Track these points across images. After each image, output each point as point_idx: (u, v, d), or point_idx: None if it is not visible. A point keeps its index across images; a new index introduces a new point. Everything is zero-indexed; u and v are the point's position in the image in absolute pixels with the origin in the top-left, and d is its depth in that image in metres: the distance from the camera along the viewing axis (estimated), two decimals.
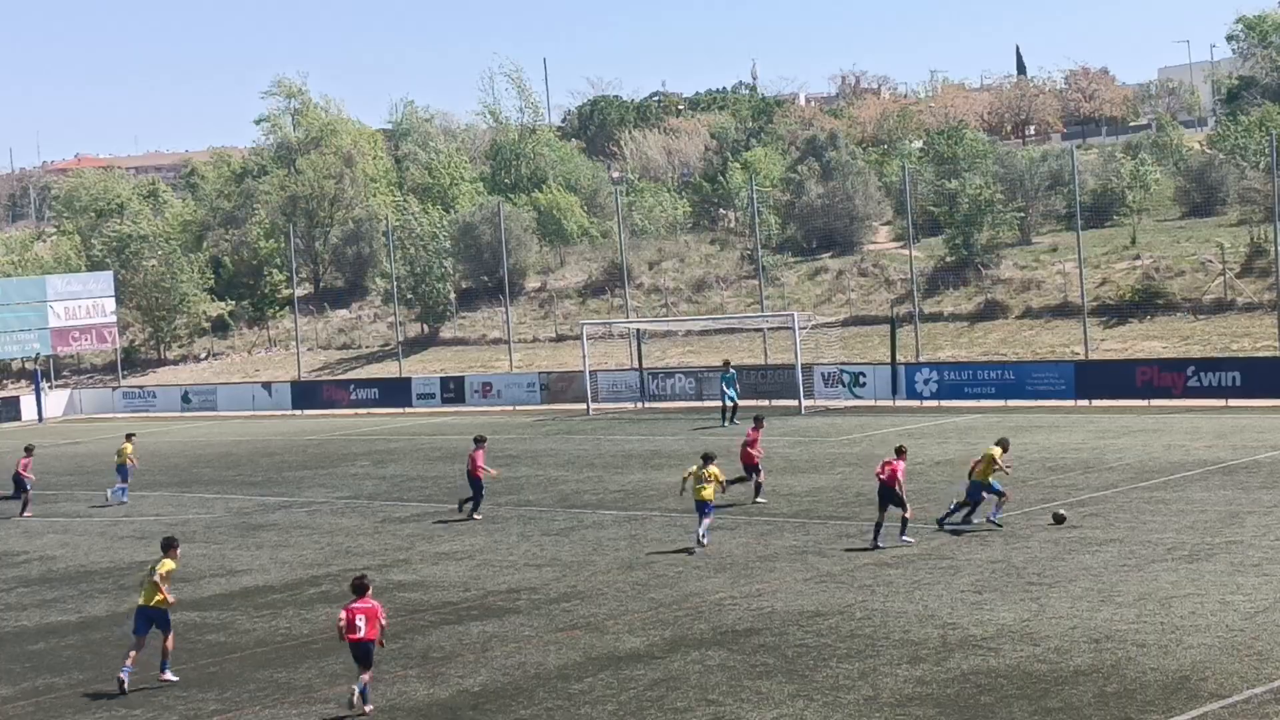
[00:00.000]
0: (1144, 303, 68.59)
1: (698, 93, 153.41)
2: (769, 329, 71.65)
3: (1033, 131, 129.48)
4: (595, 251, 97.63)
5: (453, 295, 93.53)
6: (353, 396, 78.30)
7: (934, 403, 59.03)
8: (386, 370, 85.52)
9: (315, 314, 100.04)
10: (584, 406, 66.00)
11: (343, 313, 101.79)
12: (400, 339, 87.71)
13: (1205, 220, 79.34)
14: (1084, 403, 55.21)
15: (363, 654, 21.60)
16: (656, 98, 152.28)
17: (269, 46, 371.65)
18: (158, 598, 23.81)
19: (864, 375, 62.01)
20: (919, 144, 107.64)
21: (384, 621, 21.83)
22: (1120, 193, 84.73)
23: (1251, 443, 39.86)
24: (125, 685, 23.52)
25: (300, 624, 27.75)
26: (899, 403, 59.95)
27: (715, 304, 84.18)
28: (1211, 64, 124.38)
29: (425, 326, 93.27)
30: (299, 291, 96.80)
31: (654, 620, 25.75)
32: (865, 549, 30.52)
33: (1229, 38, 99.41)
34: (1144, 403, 53.85)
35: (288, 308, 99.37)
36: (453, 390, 75.09)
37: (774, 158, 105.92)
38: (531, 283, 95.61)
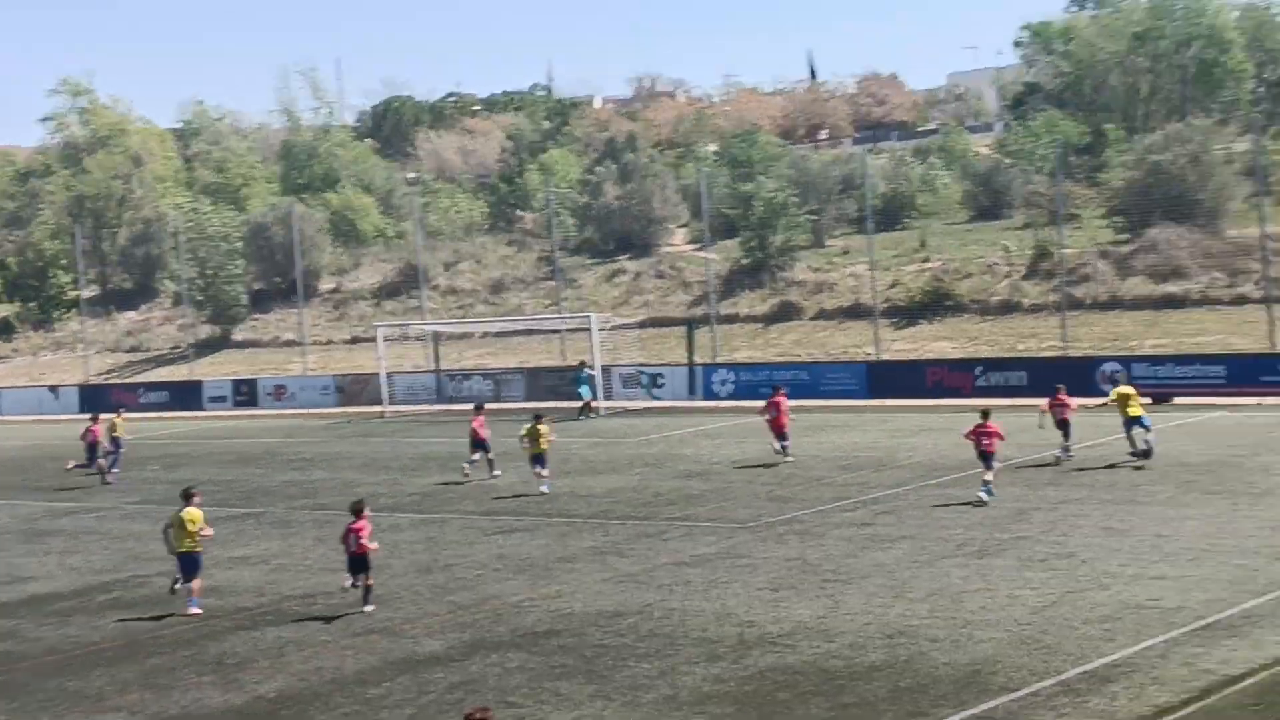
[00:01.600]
0: (933, 304, 69.79)
1: (494, 94, 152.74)
2: (567, 330, 71.74)
3: (825, 136, 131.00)
4: (391, 253, 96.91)
5: (245, 297, 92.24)
6: (142, 400, 76.86)
7: (731, 403, 59.48)
8: (177, 373, 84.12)
9: (103, 316, 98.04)
10: (380, 409, 65.52)
11: (131, 315, 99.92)
12: (191, 341, 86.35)
13: (992, 223, 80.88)
14: (876, 402, 56.06)
15: (361, 564, 26.74)
16: (452, 98, 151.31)
17: (54, 44, 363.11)
18: (188, 543, 28.05)
19: (662, 376, 62.37)
20: (714, 147, 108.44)
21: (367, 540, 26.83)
22: (910, 196, 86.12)
23: (1037, 441, 40.69)
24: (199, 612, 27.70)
25: (90, 631, 27.21)
26: (696, 403, 60.36)
27: (513, 305, 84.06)
28: (998, 70, 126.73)
29: (216, 329, 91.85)
30: (86, 293, 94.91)
31: (452, 623, 25.64)
32: (664, 550, 30.69)
33: (1015, 44, 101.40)
34: (934, 402, 54.78)
35: (74, 310, 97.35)
36: (245, 393, 74.13)
37: (571, 159, 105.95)
38: (326, 284, 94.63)
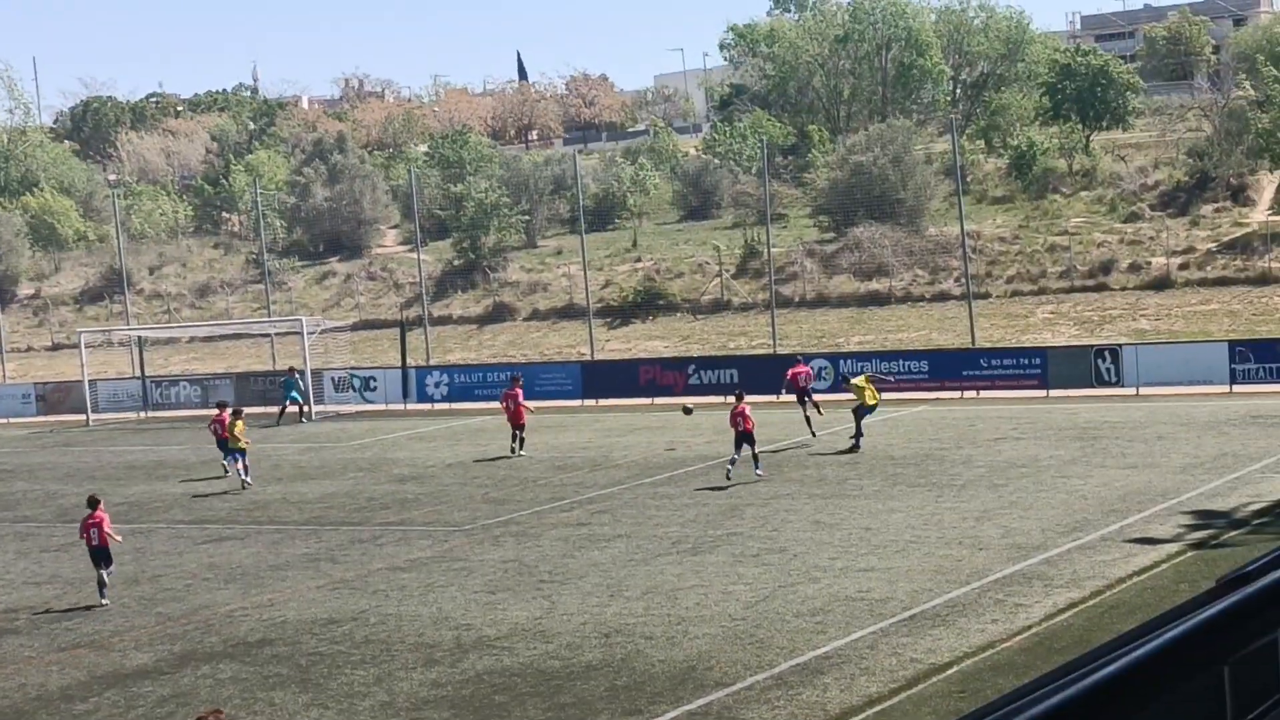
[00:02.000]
0: (646, 303, 70.48)
1: (197, 94, 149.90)
2: (276, 334, 70.67)
3: (535, 136, 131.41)
4: (92, 257, 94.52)
5: None
6: None
7: (445, 405, 59.25)
8: None
9: None
10: (84, 417, 63.76)
11: None
12: None
13: (702, 223, 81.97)
14: (591, 402, 56.35)
15: (104, 555, 27.79)
16: (154, 99, 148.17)
17: None
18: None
19: (375, 379, 61.82)
20: (424, 148, 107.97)
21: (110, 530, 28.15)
22: (621, 197, 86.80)
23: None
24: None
25: None
26: (410, 406, 59.96)
27: (221, 309, 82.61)
28: (705, 72, 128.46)
29: None
30: None
31: (162, 635, 25.07)
32: (379, 555, 30.44)
33: (721, 46, 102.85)
34: (648, 401, 55.26)
35: None
36: None
37: (278, 160, 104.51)
38: (25, 289, 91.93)
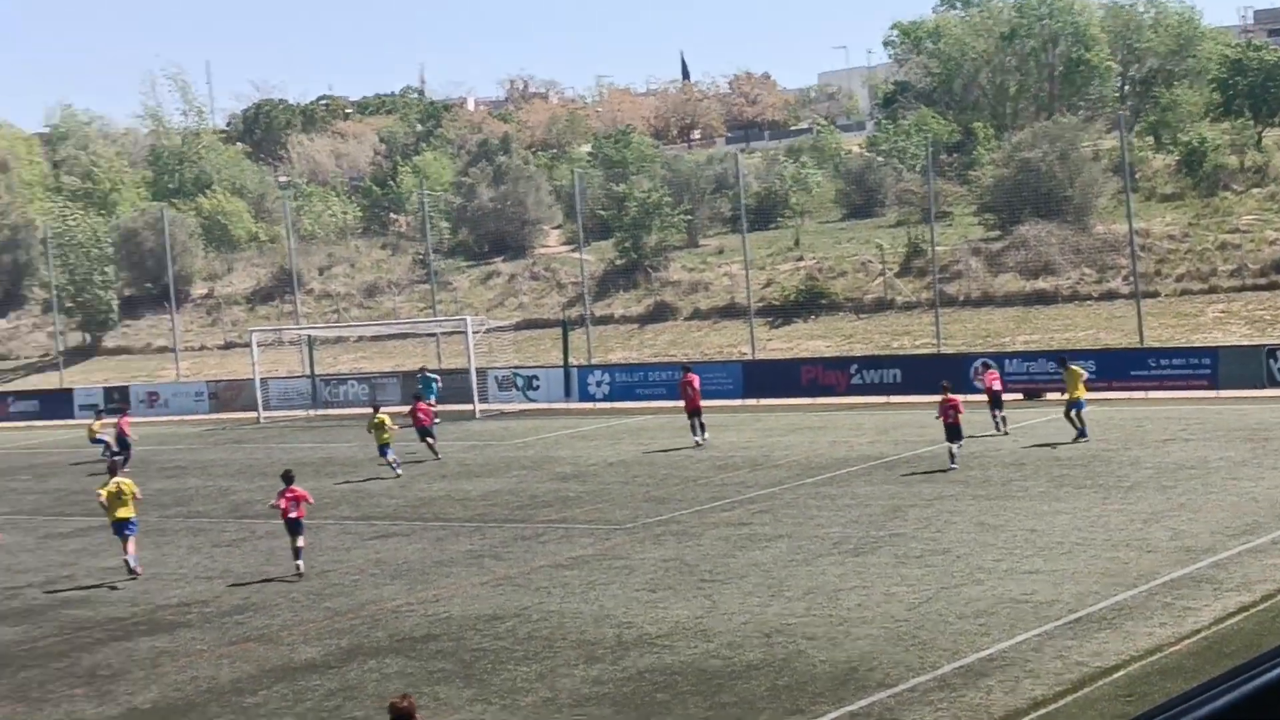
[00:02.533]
0: (808, 303, 70.15)
1: (365, 96, 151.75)
2: (442, 333, 71.40)
3: (698, 136, 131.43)
4: (263, 257, 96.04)
5: (115, 303, 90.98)
6: (11, 409, 75.62)
7: (607, 404, 59.53)
8: (47, 381, 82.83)
9: None
10: (254, 415, 64.90)
11: None
12: (61, 349, 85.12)
13: (865, 221, 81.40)
14: (752, 401, 56.27)
15: (297, 526, 30.23)
16: (323, 101, 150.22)
17: None
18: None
19: (537, 378, 62.24)
20: (588, 148, 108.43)
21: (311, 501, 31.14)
22: (783, 195, 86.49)
23: (912, 438, 41.12)
24: None
25: None
26: (572, 405, 60.31)
27: (387, 309, 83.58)
28: (869, 69, 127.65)
29: (87, 336, 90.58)
30: None
31: (330, 629, 25.45)
32: (541, 553, 30.66)
33: (885, 43, 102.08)
34: (809, 400, 55.11)
35: None
36: (117, 400, 73.10)
37: (444, 162, 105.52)
38: (198, 289, 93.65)
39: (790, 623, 23.33)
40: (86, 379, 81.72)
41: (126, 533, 31.68)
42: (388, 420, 44.04)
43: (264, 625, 26.19)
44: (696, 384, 45.90)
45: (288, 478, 31.21)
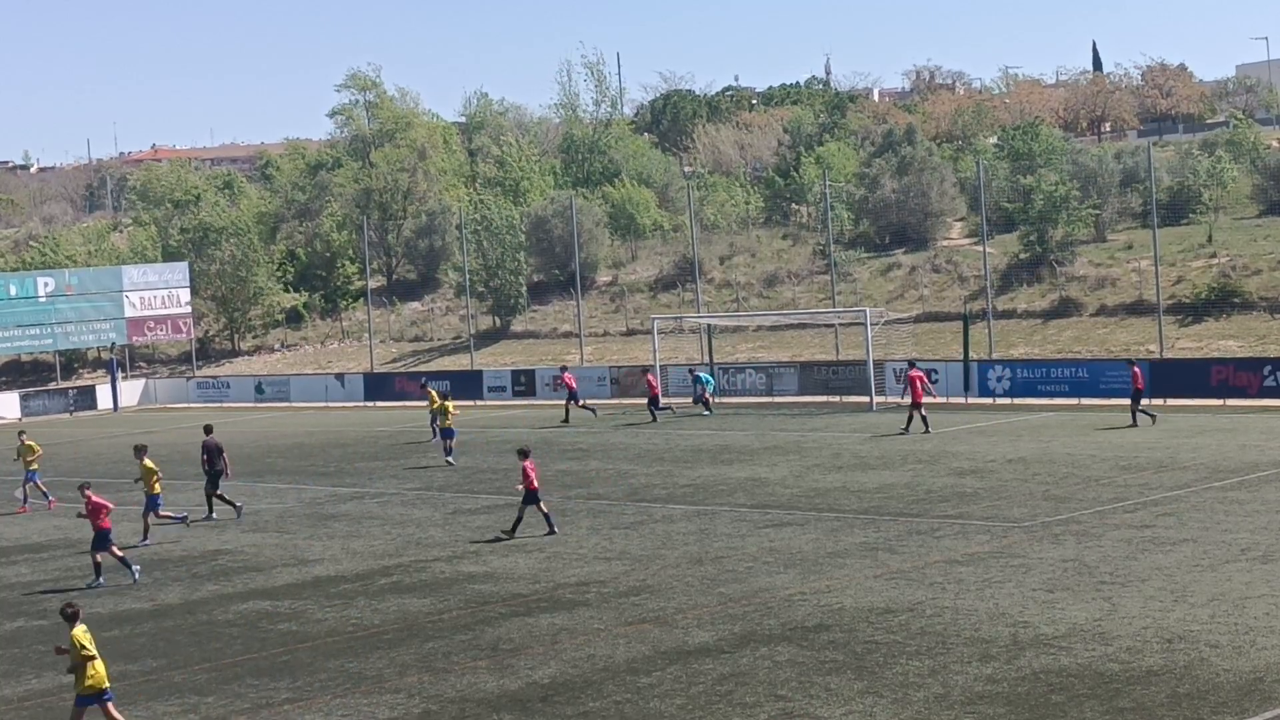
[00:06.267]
0: (1220, 301, 67.95)
1: (770, 87, 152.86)
2: (840, 325, 71.37)
3: (1108, 128, 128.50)
4: (666, 246, 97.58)
5: (524, 288, 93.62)
6: (425, 389, 78.32)
7: (1007, 400, 58.74)
8: (458, 363, 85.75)
9: (387, 306, 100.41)
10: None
11: (415, 305, 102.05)
12: (472, 332, 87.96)
13: None
14: (1158, 401, 54.73)
15: (533, 497, 34.35)
16: (729, 92, 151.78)
17: (344, 39, 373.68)
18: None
19: (936, 372, 61.62)
20: (994, 140, 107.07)
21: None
22: (1196, 190, 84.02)
23: None
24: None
25: (371, 614, 27.88)
26: (971, 400, 59.68)
27: (786, 299, 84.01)
28: None
29: (496, 319, 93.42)
30: (372, 284, 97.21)
31: (723, 615, 25.74)
32: (936, 548, 30.43)
33: None
34: (1219, 402, 53.44)
35: (360, 300, 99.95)
36: (524, 383, 75.22)
37: (847, 153, 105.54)
38: (603, 276, 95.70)
39: (1193, 629, 22.67)
40: (495, 362, 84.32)
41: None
42: (450, 407, 49.66)
43: (659, 608, 26.64)
44: (923, 381, 50.31)
45: (523, 453, 34.71)
